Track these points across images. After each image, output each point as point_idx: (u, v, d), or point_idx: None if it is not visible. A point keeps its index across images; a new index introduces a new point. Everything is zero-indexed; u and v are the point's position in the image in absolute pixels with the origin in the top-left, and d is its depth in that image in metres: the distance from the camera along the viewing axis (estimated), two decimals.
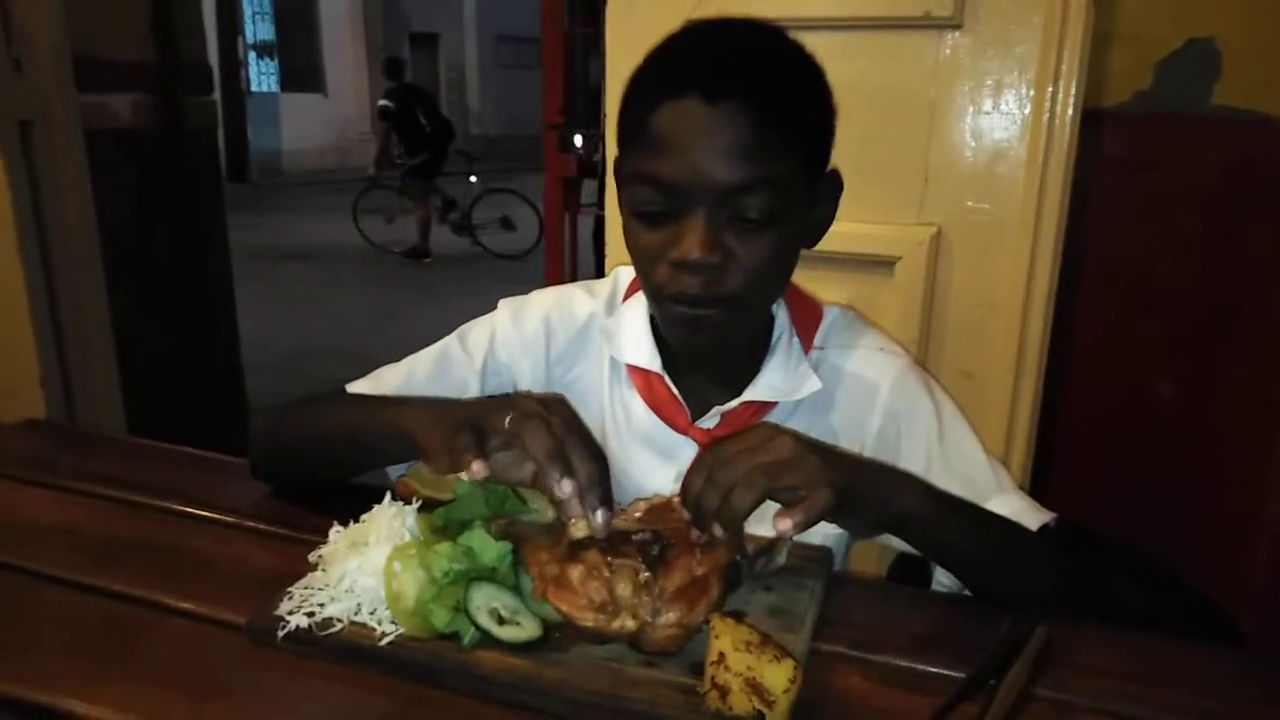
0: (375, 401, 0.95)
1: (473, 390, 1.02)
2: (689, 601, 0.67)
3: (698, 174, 0.81)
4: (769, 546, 0.79)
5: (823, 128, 0.89)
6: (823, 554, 0.84)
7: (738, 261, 0.82)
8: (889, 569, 1.09)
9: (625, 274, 1.04)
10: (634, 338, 0.98)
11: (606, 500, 0.73)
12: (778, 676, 0.60)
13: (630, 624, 0.67)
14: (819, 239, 0.94)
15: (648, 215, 0.85)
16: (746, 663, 0.60)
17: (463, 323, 1.06)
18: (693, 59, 0.86)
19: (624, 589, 0.68)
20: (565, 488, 0.71)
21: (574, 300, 1.05)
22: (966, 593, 0.86)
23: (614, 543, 0.71)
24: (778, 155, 0.82)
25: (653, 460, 0.98)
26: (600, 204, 2.83)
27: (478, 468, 0.72)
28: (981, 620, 0.75)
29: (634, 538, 0.72)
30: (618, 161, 0.93)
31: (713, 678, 0.61)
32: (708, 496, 0.70)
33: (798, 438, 0.73)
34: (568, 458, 0.72)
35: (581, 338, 1.04)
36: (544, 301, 1.05)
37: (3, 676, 0.67)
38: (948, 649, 0.72)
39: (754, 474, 0.69)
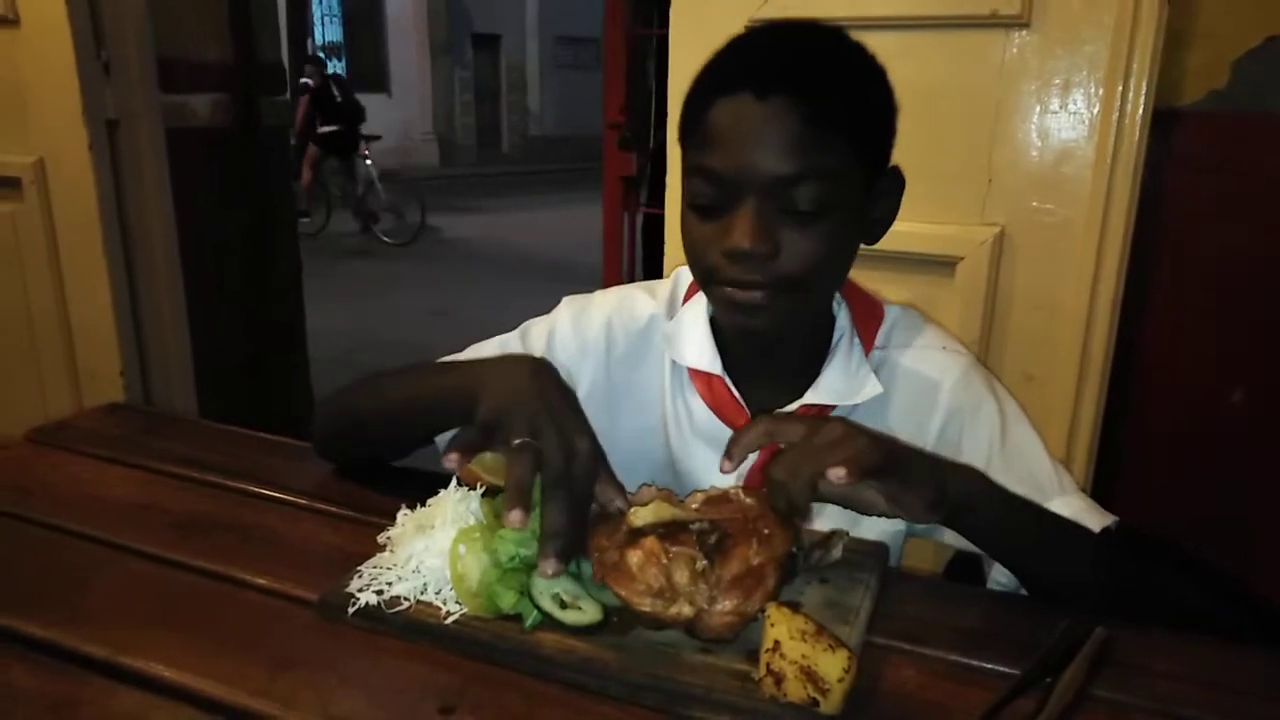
0: (434, 370, 0.95)
1: None
2: (745, 590, 0.68)
3: (746, 166, 0.83)
4: (825, 540, 0.80)
5: (880, 125, 0.90)
6: (878, 549, 0.84)
7: (788, 251, 0.84)
8: (945, 569, 1.08)
9: (685, 275, 1.06)
10: (695, 341, 0.99)
11: (564, 554, 0.72)
12: (832, 665, 0.60)
13: (687, 610, 0.68)
14: (880, 236, 0.94)
15: (702, 208, 0.87)
16: (801, 651, 0.61)
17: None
18: (746, 58, 0.88)
19: (681, 576, 0.69)
20: (512, 518, 0.70)
21: (635, 302, 1.07)
22: (1023, 592, 0.85)
23: (673, 531, 0.72)
24: (828, 149, 0.83)
25: (713, 458, 0.98)
26: (654, 204, 2.83)
27: (452, 461, 0.73)
28: (1038, 619, 0.75)
29: (692, 527, 0.73)
30: (683, 144, 0.94)
31: (768, 665, 0.62)
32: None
33: (854, 426, 0.74)
34: (528, 499, 0.72)
35: (643, 340, 1.05)
36: (606, 304, 1.07)
37: (94, 642, 0.71)
38: (1003, 646, 0.72)
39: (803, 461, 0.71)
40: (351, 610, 0.73)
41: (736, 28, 1.46)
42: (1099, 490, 1.45)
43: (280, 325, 3.07)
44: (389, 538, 0.81)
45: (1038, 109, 1.35)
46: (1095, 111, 1.32)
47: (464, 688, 0.67)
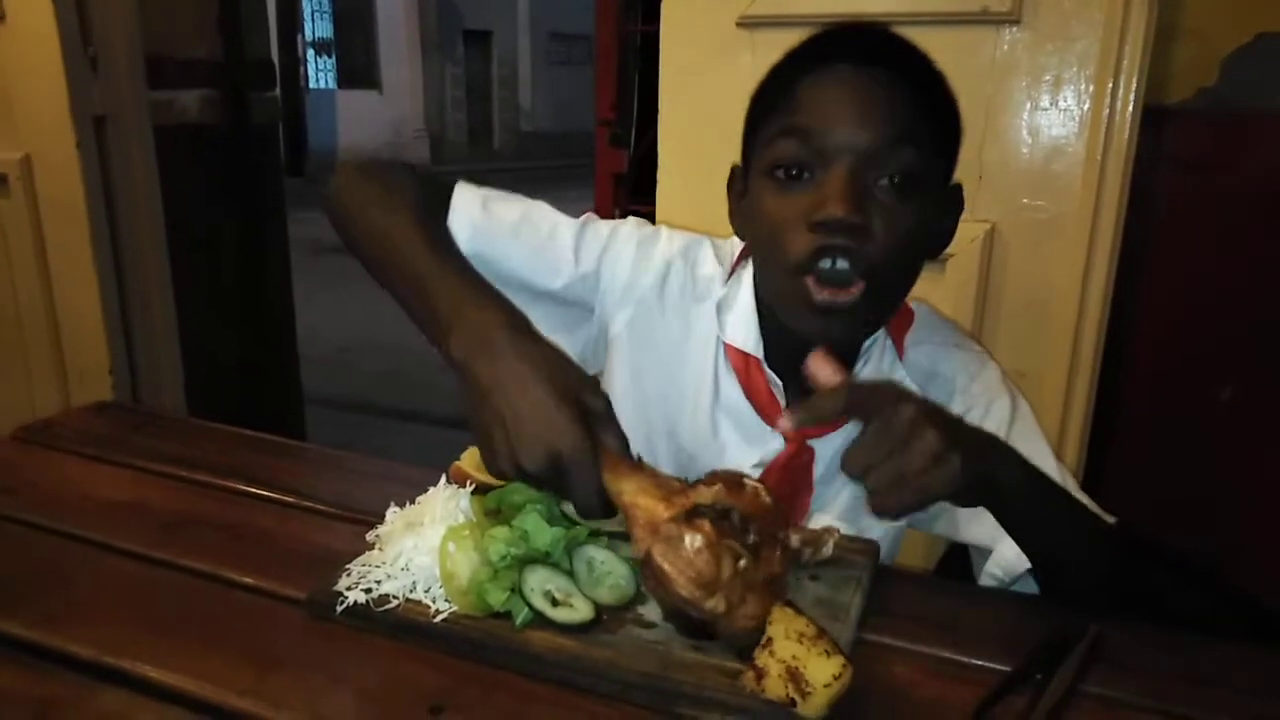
0: (448, 267, 0.85)
1: (560, 281, 0.98)
2: (772, 595, 0.66)
3: (845, 124, 0.80)
4: (816, 537, 0.80)
5: (958, 129, 0.89)
6: (869, 546, 0.84)
7: (879, 229, 0.80)
8: (936, 565, 1.08)
9: (736, 245, 1.02)
10: (740, 318, 0.96)
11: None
12: (822, 670, 0.60)
13: (721, 606, 0.65)
14: (940, 251, 0.93)
15: (786, 176, 0.83)
16: (793, 651, 0.61)
17: None
18: (845, 35, 0.87)
19: (726, 570, 0.65)
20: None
21: (701, 257, 1.02)
22: (1016, 589, 0.85)
23: (718, 519, 0.68)
24: (921, 125, 0.83)
25: (738, 441, 0.97)
26: (638, 200, 2.82)
27: None
28: (1030, 616, 0.75)
29: (731, 517, 0.69)
30: (749, 135, 0.91)
31: (754, 659, 0.62)
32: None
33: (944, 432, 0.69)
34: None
35: (696, 299, 1.00)
36: (671, 247, 1.02)
37: (80, 641, 0.70)
38: (995, 643, 0.72)
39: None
40: (340, 609, 0.73)
41: (727, 24, 1.47)
42: (1089, 485, 1.45)
43: (271, 323, 3.05)
44: (378, 536, 0.80)
45: (1028, 106, 1.35)
46: (1085, 108, 1.33)
47: (454, 687, 0.66)
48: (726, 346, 0.97)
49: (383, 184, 0.95)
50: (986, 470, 0.72)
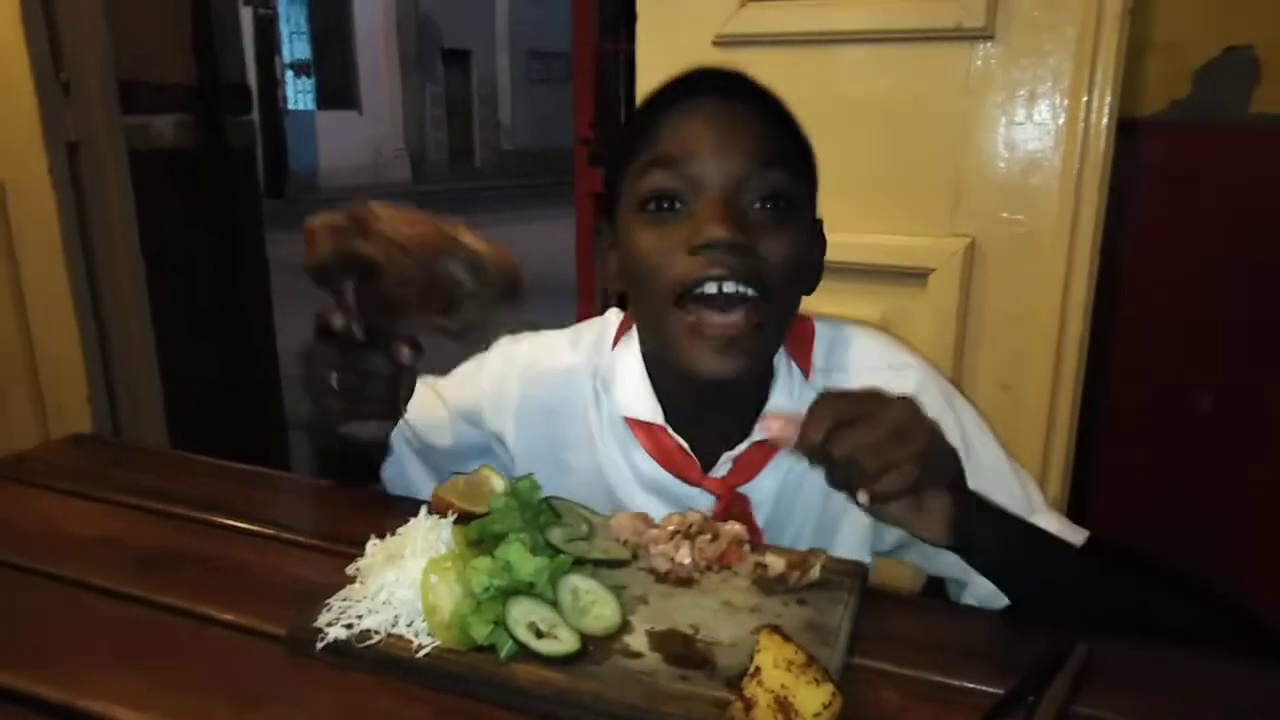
0: None
1: (447, 433, 1.04)
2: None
3: (714, 150, 0.81)
4: (803, 560, 0.79)
5: (814, 168, 0.90)
6: (857, 568, 0.83)
7: (764, 249, 0.80)
8: (923, 586, 1.08)
9: (614, 317, 1.01)
10: (631, 389, 0.94)
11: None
12: (812, 699, 0.59)
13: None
14: (815, 285, 0.92)
15: (658, 208, 0.83)
16: (782, 681, 0.60)
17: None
18: (706, 73, 0.88)
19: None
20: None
21: (554, 353, 1.02)
22: (998, 608, 0.84)
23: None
24: (787, 149, 0.84)
25: (660, 508, 0.93)
26: None
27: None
28: (1018, 637, 0.75)
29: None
30: (614, 182, 0.90)
31: (742, 690, 0.61)
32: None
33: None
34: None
35: (561, 392, 1.00)
36: (526, 353, 1.03)
37: (52, 682, 0.68)
38: (984, 665, 0.71)
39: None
40: (320, 645, 0.71)
41: (703, 43, 1.47)
42: (1075, 498, 1.46)
43: (251, 345, 3.03)
44: (359, 569, 0.79)
45: (1004, 120, 1.36)
46: (1060, 122, 1.34)
47: None
48: (628, 421, 0.95)
49: None
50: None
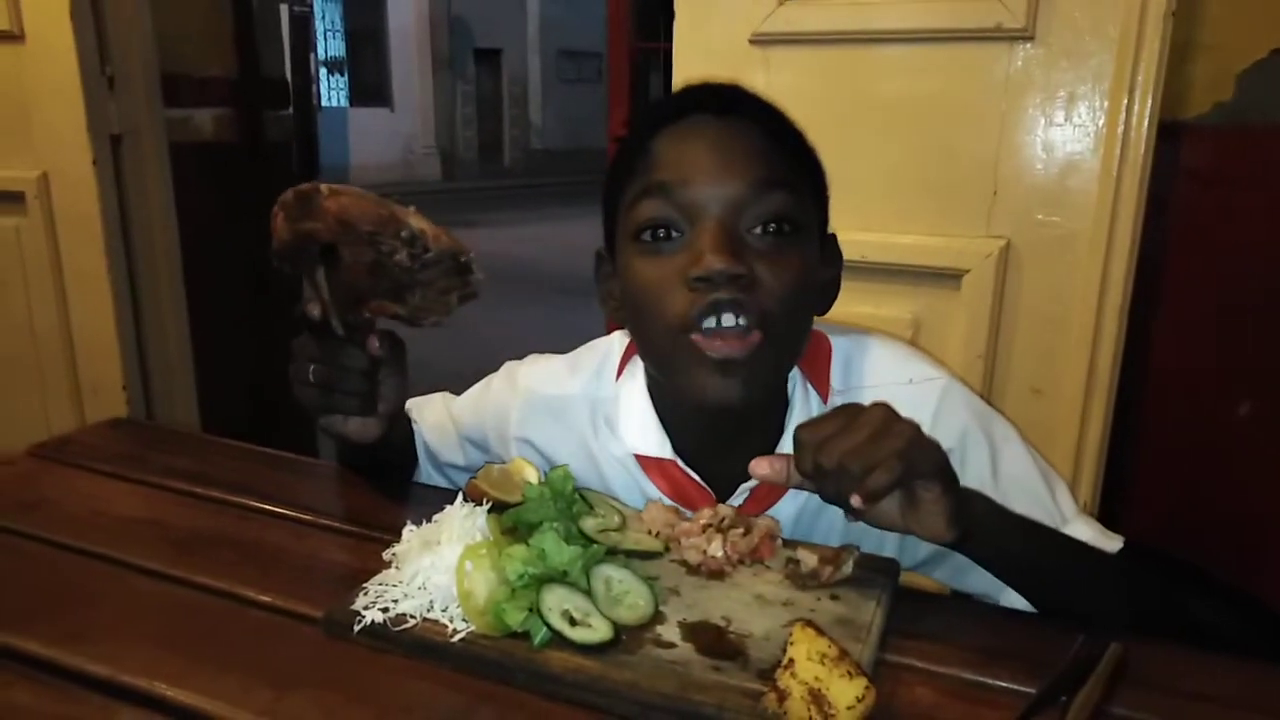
0: None
1: (459, 453, 1.08)
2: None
3: (709, 175, 0.77)
4: (835, 556, 0.79)
5: (824, 180, 0.87)
6: (889, 565, 0.83)
7: (764, 276, 0.77)
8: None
9: (618, 346, 0.99)
10: (638, 424, 0.92)
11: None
12: (845, 692, 0.59)
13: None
14: (829, 306, 0.89)
15: (654, 238, 0.80)
16: (815, 673, 0.60)
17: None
18: (699, 89, 0.85)
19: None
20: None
21: (553, 381, 1.01)
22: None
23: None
24: (789, 168, 0.80)
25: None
26: None
27: None
28: (1052, 636, 0.74)
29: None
30: (611, 209, 0.87)
31: (775, 681, 0.62)
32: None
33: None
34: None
35: (563, 420, 0.98)
36: (525, 380, 1.02)
37: (97, 660, 0.70)
38: (1017, 664, 0.71)
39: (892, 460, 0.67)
40: (357, 628, 0.72)
41: (740, 42, 1.47)
42: (1107, 504, 1.44)
43: (284, 340, 3.06)
44: (394, 554, 0.80)
45: (1043, 122, 1.35)
46: (1100, 124, 1.32)
47: (471, 707, 0.66)
48: (638, 458, 0.93)
49: None
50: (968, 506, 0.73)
